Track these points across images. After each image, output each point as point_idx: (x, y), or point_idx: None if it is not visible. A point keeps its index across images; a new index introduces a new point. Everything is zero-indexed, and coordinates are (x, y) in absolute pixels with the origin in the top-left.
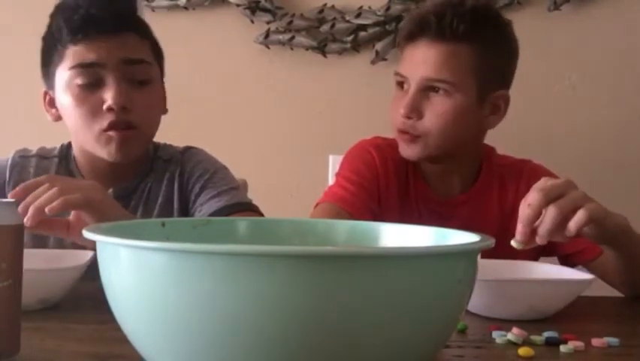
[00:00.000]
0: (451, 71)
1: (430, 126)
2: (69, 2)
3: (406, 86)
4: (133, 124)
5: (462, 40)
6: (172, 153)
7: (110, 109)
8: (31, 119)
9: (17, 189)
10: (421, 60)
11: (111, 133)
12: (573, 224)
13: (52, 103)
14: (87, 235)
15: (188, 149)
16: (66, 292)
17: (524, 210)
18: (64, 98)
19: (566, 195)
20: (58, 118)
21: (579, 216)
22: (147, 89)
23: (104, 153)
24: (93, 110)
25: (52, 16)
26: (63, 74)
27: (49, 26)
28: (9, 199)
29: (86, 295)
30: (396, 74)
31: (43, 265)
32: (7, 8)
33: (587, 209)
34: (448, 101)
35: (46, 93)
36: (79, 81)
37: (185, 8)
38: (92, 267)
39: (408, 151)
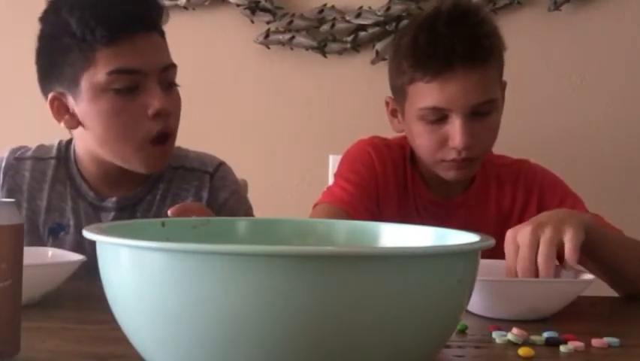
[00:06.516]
0: (494, 87)
1: (485, 146)
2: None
3: (438, 117)
4: (171, 130)
5: (490, 54)
6: (197, 167)
7: (157, 115)
8: (31, 118)
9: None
10: (463, 88)
11: (159, 147)
12: (570, 261)
13: (63, 109)
14: (87, 235)
15: (217, 168)
16: (49, 291)
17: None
18: (93, 105)
19: (541, 239)
20: (75, 125)
21: (569, 253)
22: (176, 93)
23: (143, 164)
24: (136, 118)
25: (61, 12)
26: (95, 78)
27: (61, 24)
28: (9, 199)
29: (86, 295)
30: (427, 108)
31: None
32: (7, 8)
33: (569, 240)
34: (497, 116)
35: (54, 99)
36: (117, 86)
37: (185, 8)
38: (92, 267)
39: (459, 175)
